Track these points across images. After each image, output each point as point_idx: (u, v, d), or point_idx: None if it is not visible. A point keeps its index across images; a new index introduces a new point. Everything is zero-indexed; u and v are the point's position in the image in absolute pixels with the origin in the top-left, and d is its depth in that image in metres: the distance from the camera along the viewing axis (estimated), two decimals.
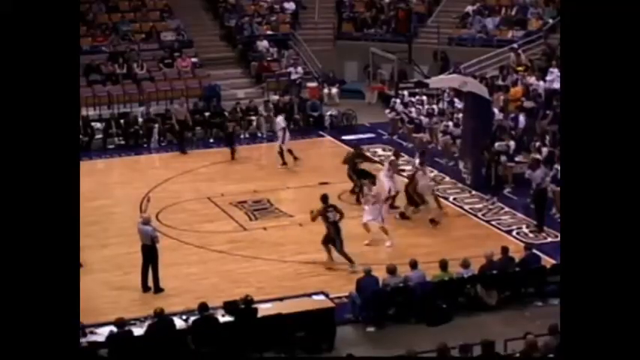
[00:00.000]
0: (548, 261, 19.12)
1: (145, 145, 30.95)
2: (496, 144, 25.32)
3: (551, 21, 35.03)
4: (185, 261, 20.68)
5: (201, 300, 16.36)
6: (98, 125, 31.34)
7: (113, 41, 35.86)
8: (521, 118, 27.40)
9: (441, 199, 24.11)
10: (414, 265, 18.17)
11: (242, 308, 16.30)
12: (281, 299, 17.43)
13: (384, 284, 17.72)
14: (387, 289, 17.67)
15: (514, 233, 22.03)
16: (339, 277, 19.47)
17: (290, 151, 27.75)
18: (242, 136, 31.69)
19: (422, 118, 29.50)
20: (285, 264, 20.46)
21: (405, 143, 29.58)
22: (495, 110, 27.27)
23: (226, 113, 32.08)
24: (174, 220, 23.00)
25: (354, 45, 38.77)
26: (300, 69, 35.89)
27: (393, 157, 24.78)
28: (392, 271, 17.90)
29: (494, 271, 18.25)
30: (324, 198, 20.51)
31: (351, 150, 25.88)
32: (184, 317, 16.25)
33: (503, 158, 24.97)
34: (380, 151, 29.11)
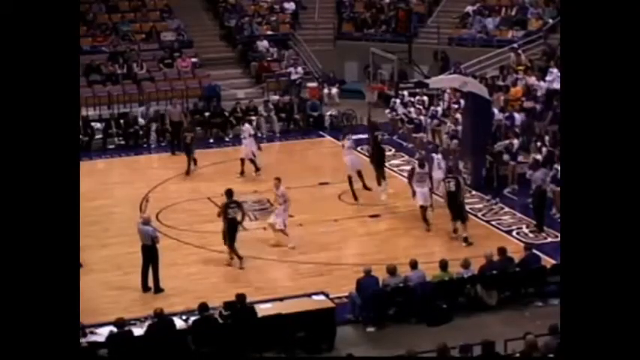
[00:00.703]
0: (548, 261, 19.10)
1: (145, 145, 30.94)
2: (496, 144, 25.34)
3: (551, 21, 35.03)
4: (185, 261, 20.68)
5: (201, 300, 16.36)
6: (98, 125, 31.33)
7: (113, 41, 35.87)
8: (517, 116, 27.40)
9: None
10: (414, 265, 18.16)
11: (239, 308, 16.30)
12: (281, 299, 17.43)
13: (384, 284, 17.71)
14: (387, 290, 17.67)
15: (514, 233, 22.01)
16: (340, 277, 19.45)
17: (252, 161, 27.11)
18: (242, 136, 31.63)
19: (421, 118, 29.47)
20: (285, 264, 20.46)
21: (405, 143, 29.58)
22: (495, 110, 27.27)
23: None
24: (174, 220, 23.00)
25: (354, 45, 38.78)
26: (300, 69, 35.89)
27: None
28: (392, 271, 17.89)
29: (494, 272, 18.25)
30: (229, 193, 20.72)
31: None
32: (184, 317, 16.25)
33: (506, 157, 24.97)
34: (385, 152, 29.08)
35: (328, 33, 39.70)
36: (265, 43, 37.29)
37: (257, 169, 26.93)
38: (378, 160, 24.97)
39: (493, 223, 22.86)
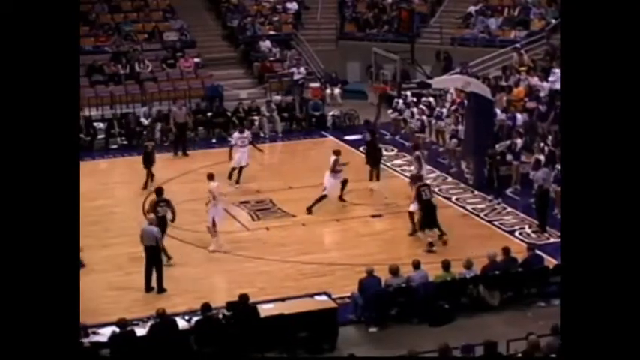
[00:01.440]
0: (550, 261, 19.10)
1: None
2: (497, 145, 25.33)
3: (553, 21, 34.98)
4: (187, 261, 20.67)
5: (204, 300, 16.37)
6: (101, 125, 31.32)
7: (116, 41, 35.86)
8: (519, 116, 27.39)
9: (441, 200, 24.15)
10: (416, 265, 18.17)
11: (242, 308, 16.30)
12: (283, 299, 17.44)
13: (387, 284, 17.71)
14: (390, 290, 17.66)
15: (517, 233, 22.02)
16: (342, 277, 19.46)
17: (240, 170, 26.42)
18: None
19: (423, 118, 29.45)
20: (287, 264, 20.46)
21: (407, 144, 29.55)
22: (498, 110, 27.25)
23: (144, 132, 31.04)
24: (176, 220, 22.97)
25: (357, 45, 38.76)
26: (302, 69, 35.86)
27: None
28: (395, 271, 17.89)
29: (497, 272, 18.25)
30: (158, 192, 20.93)
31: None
32: (187, 317, 16.26)
33: (509, 157, 24.97)
34: (383, 152, 29.07)
35: (331, 33, 39.69)
36: (268, 43, 37.27)
37: (237, 182, 26.15)
38: (374, 160, 25.04)
39: (495, 223, 22.86)
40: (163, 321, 15.95)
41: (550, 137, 25.32)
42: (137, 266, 19.70)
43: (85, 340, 15.66)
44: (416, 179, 22.45)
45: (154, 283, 19.00)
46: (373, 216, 23.49)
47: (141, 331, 15.93)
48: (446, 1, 39.86)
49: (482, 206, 23.97)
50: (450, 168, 26.98)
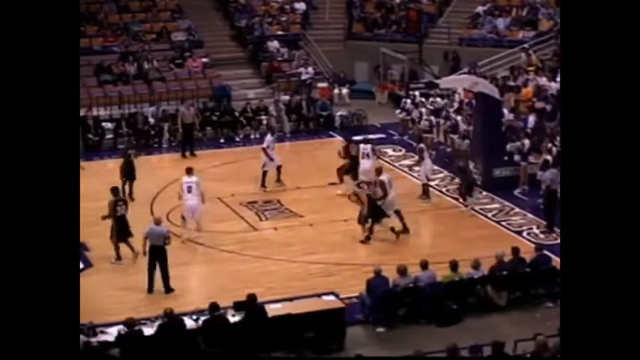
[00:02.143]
0: (558, 262, 19.05)
1: (156, 145, 30.95)
2: (508, 145, 25.33)
3: None
4: (195, 261, 20.71)
5: (211, 300, 16.38)
6: (109, 125, 31.38)
7: (124, 41, 35.91)
8: (531, 118, 27.36)
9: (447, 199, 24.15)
10: (424, 265, 18.15)
11: (250, 308, 16.32)
12: (291, 299, 17.45)
13: (394, 285, 17.71)
14: (397, 290, 17.66)
15: (524, 234, 21.99)
16: (349, 277, 19.45)
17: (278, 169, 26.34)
18: (252, 137, 31.71)
19: (431, 118, 29.42)
20: (295, 264, 20.47)
21: (415, 144, 29.51)
22: (505, 111, 27.22)
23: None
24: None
25: (365, 45, 38.72)
26: (310, 69, 35.86)
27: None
28: (402, 271, 17.88)
29: (505, 272, 18.22)
30: (114, 191, 21.03)
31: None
32: (194, 317, 16.27)
33: (516, 157, 24.96)
34: (390, 152, 29.09)
35: (339, 33, 39.67)
36: (276, 43, 37.29)
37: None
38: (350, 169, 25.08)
39: (503, 223, 22.83)
40: (171, 321, 15.96)
41: (558, 138, 25.28)
42: (144, 266, 19.75)
43: (93, 340, 15.68)
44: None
45: (158, 284, 18.98)
46: None
47: (148, 330, 15.95)
48: (454, 1, 39.80)
49: (491, 207, 23.95)
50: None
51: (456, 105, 29.89)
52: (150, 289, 18.95)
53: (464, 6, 39.34)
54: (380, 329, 17.32)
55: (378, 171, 22.55)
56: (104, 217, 20.66)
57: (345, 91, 36.10)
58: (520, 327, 16.35)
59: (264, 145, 25.85)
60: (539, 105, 28.49)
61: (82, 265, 20.25)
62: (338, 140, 31.20)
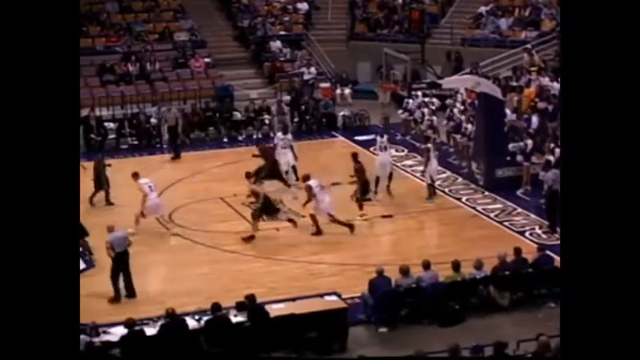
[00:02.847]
0: None
1: (158, 146, 30.97)
2: (510, 145, 25.32)
3: None
4: (197, 261, 20.71)
5: (214, 300, 16.38)
6: (111, 125, 31.41)
7: (127, 41, 35.93)
8: (534, 118, 27.35)
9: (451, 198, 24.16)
10: (426, 265, 18.14)
11: (252, 308, 16.32)
12: (293, 299, 17.44)
13: (397, 285, 17.71)
14: (400, 290, 17.65)
15: (527, 234, 21.98)
16: (352, 277, 19.44)
17: (294, 168, 26.57)
18: (255, 137, 31.75)
19: (433, 118, 29.40)
20: (297, 264, 20.47)
21: (417, 144, 29.53)
22: (508, 111, 27.21)
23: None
24: (186, 220, 23.03)
25: (367, 45, 38.73)
26: (312, 69, 35.87)
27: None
28: (405, 271, 17.88)
29: (507, 272, 18.21)
30: None
31: None
32: (197, 317, 16.27)
33: (519, 158, 24.96)
34: (393, 152, 29.05)
35: (341, 33, 39.71)
36: (278, 43, 37.32)
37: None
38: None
39: (506, 223, 22.83)
40: (173, 321, 15.97)
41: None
42: (144, 266, 19.89)
43: (96, 340, 15.70)
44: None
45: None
46: (383, 216, 23.47)
47: (151, 330, 15.96)
48: (456, 1, 39.82)
49: (493, 207, 23.95)
50: (461, 168, 26.95)
51: (459, 105, 29.85)
52: (117, 296, 18.77)
53: (466, 6, 39.35)
54: (382, 329, 17.32)
55: (306, 177, 22.86)
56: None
57: (347, 91, 36.08)
58: (522, 327, 16.33)
59: (275, 142, 26.45)
60: (541, 105, 28.45)
61: (84, 266, 20.30)
62: (340, 140, 31.28)
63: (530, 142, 25.23)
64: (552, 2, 36.65)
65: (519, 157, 24.97)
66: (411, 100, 31.44)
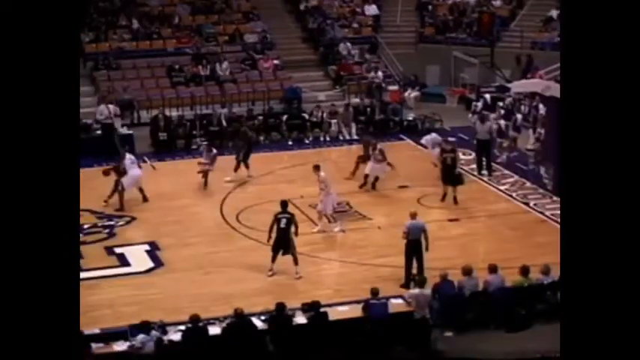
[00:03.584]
0: None
1: (230, 146, 31.02)
2: None
3: None
4: (265, 262, 20.81)
5: (281, 301, 16.52)
6: (181, 126, 31.72)
7: (197, 43, 36.30)
8: None
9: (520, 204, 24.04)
10: (493, 269, 18.06)
11: (316, 310, 16.47)
12: (358, 302, 17.49)
13: (460, 286, 17.68)
14: (465, 293, 17.61)
15: None
16: None
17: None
18: (322, 139, 31.87)
19: (501, 122, 29.20)
20: (364, 267, 20.50)
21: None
22: None
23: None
24: (254, 221, 23.16)
25: (436, 48, 38.65)
26: (381, 72, 35.90)
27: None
28: (468, 272, 17.86)
29: None
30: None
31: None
32: (263, 318, 16.43)
33: None
34: (460, 155, 28.93)
35: (410, 36, 39.67)
36: (347, 45, 37.39)
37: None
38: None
39: None
40: (240, 320, 16.14)
41: None
42: (218, 266, 20.10)
43: (165, 338, 15.95)
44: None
45: None
46: (450, 220, 23.40)
47: (216, 329, 16.16)
48: (527, 4, 39.54)
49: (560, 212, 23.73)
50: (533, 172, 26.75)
51: (524, 108, 29.64)
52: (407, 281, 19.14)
53: (537, 9, 39.07)
54: (448, 334, 17.29)
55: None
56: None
57: (416, 94, 36.01)
58: None
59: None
60: None
61: (152, 264, 20.61)
62: (407, 143, 31.22)
63: None
64: None
65: None
66: (479, 103, 31.29)
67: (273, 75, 35.40)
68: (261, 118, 32.24)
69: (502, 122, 29.28)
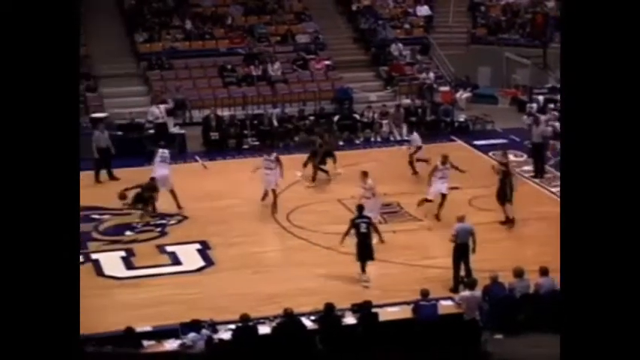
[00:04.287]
0: None
1: (281, 146, 31.07)
2: None
3: None
4: (314, 262, 20.88)
5: (329, 301, 16.56)
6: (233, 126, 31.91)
7: (249, 43, 36.48)
8: None
9: None
10: (544, 272, 17.94)
11: (366, 311, 16.48)
12: (407, 303, 17.49)
13: (510, 287, 17.60)
14: (516, 295, 17.52)
15: None
16: None
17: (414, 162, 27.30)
18: (373, 140, 31.88)
19: (555, 124, 28.99)
20: (412, 268, 20.48)
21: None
22: None
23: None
24: (304, 221, 23.25)
25: (488, 49, 38.47)
26: (432, 73, 35.83)
27: None
28: (519, 273, 17.77)
29: None
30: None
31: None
32: (312, 318, 16.49)
33: None
34: (512, 157, 28.77)
35: (462, 37, 39.52)
36: (399, 46, 37.35)
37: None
38: None
39: None
40: (289, 320, 16.22)
41: None
42: (264, 266, 20.18)
43: (215, 337, 16.08)
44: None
45: None
46: (502, 222, 23.24)
47: (266, 329, 16.24)
48: None
49: None
50: None
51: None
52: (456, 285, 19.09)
53: None
54: (498, 336, 17.21)
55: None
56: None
57: (467, 95, 35.91)
58: None
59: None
60: None
61: (203, 263, 20.79)
62: (459, 144, 31.10)
63: None
64: None
65: None
66: (534, 105, 31.09)
67: (324, 75, 35.48)
68: (312, 118, 32.35)
69: (557, 124, 29.04)
